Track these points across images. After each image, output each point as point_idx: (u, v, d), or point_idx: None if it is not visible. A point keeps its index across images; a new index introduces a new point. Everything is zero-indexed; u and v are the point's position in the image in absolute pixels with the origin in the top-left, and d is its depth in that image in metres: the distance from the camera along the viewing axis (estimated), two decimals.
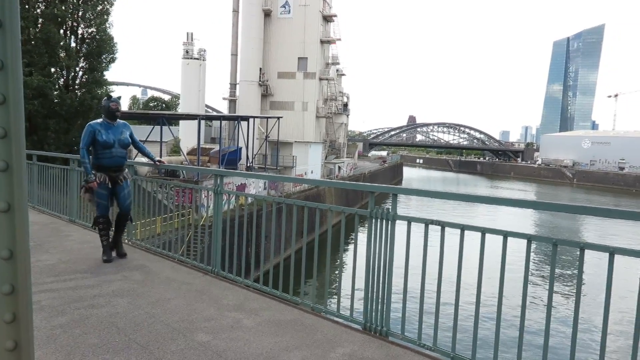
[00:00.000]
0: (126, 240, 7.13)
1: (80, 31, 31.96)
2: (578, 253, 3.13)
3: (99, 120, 5.91)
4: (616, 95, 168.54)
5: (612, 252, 2.92)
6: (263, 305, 4.54)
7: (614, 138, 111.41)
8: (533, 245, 3.44)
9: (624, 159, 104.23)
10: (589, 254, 3.11)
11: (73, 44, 31.76)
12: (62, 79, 31.46)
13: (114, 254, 6.07)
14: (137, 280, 5.18)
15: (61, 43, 30.06)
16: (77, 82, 32.13)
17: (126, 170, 6.13)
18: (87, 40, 32.01)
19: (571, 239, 3.24)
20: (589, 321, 19.49)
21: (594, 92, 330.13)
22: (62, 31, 30.81)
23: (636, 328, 2.87)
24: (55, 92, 29.84)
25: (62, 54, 30.43)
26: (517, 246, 3.47)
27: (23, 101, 1.20)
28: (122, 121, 6.12)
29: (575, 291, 3.24)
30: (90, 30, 32.08)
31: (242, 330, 3.94)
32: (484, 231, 3.50)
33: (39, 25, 29.15)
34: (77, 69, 31.97)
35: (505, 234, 3.40)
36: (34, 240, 6.75)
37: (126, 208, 6.07)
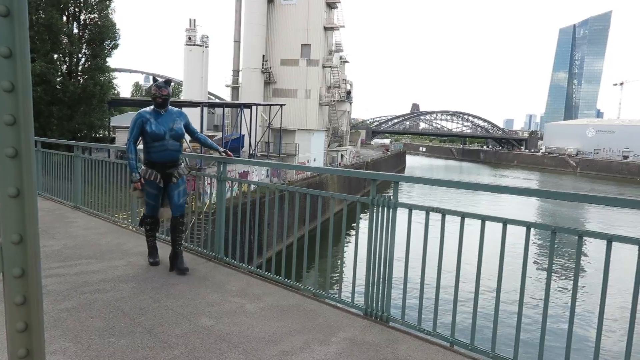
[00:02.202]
0: (130, 227, 7.20)
1: (82, 17, 31.86)
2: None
3: (149, 109, 5.14)
4: (622, 84, 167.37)
5: (610, 239, 2.96)
6: (266, 291, 4.61)
7: (619, 127, 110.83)
8: (533, 233, 3.48)
9: (628, 148, 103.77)
10: (592, 242, 3.14)
11: (75, 30, 31.67)
12: (65, 66, 31.45)
13: (156, 267, 5.35)
14: (142, 266, 5.26)
15: (64, 29, 29.98)
16: (79, 68, 32.10)
17: (182, 164, 5.32)
18: (89, 27, 31.92)
19: (570, 227, 3.27)
20: (587, 307, 19.60)
21: (599, 80, 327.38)
22: (64, 17, 30.72)
23: (632, 314, 2.91)
24: (58, 79, 29.84)
25: (65, 40, 30.36)
26: (517, 233, 3.51)
27: (31, 89, 1.23)
28: (175, 109, 5.28)
29: (574, 278, 3.28)
30: (92, 16, 31.98)
31: (245, 315, 4.01)
32: (483, 219, 3.54)
33: (42, 11, 29.05)
34: (80, 55, 31.91)
35: (505, 222, 3.43)
36: (40, 227, 6.81)
37: (178, 209, 5.26)
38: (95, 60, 31.76)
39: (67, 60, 31.43)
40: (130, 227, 7.18)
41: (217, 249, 5.66)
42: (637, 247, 2.88)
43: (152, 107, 5.13)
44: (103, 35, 31.84)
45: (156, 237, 5.49)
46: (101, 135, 36.33)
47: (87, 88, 30.32)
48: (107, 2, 32.11)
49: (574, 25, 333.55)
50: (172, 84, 5.32)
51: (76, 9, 31.29)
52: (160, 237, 6.57)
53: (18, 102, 1.20)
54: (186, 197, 5.43)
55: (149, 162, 5.13)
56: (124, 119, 52.78)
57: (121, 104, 51.06)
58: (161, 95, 5.06)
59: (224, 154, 5.58)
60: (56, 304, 4.03)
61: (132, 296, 4.33)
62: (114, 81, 42.84)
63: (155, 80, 5.30)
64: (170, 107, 5.23)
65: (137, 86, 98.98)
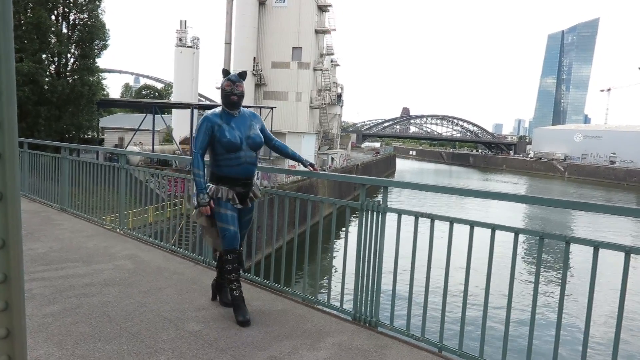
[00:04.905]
0: (118, 230, 7.13)
1: (71, 17, 31.65)
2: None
3: (217, 110, 4.09)
4: (609, 90, 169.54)
5: (597, 246, 2.98)
6: (254, 295, 4.58)
7: (606, 132, 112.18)
8: (521, 238, 3.50)
9: (615, 153, 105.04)
10: (579, 247, 3.16)
11: (64, 30, 31.43)
12: (53, 66, 31.18)
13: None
14: (129, 270, 5.20)
15: (52, 29, 29.75)
16: (68, 68, 31.83)
17: (256, 183, 4.31)
18: (78, 27, 31.72)
19: (557, 233, 3.30)
20: (575, 312, 19.78)
21: (587, 86, 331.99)
22: (53, 17, 30.48)
23: (618, 319, 2.94)
24: (47, 79, 29.56)
25: (54, 40, 30.10)
26: (505, 239, 3.52)
27: (15, 91, 1.21)
28: (247, 110, 4.25)
29: (561, 283, 3.30)
30: (82, 16, 31.78)
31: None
32: (472, 224, 3.55)
33: (30, 11, 28.78)
34: (69, 55, 31.66)
35: (493, 227, 3.45)
36: (25, 229, 6.73)
37: (241, 239, 4.25)
38: (84, 60, 31.54)
39: (56, 60, 31.15)
40: (118, 230, 7.11)
41: (205, 253, 5.63)
42: (623, 253, 2.90)
43: (220, 108, 4.11)
44: (92, 36, 31.66)
45: (240, 282, 4.12)
46: (89, 137, 36.06)
47: (75, 88, 30.09)
48: (97, 3, 31.93)
49: (563, 31, 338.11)
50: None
51: (65, 9, 31.05)
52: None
53: (2, 104, 1.17)
54: (250, 225, 4.41)
55: (219, 178, 4.07)
56: (113, 120, 52.45)
57: (110, 105, 50.68)
58: (237, 91, 4.04)
59: (310, 168, 4.56)
60: (41, 309, 3.97)
61: (119, 300, 4.28)
62: (103, 82, 42.53)
63: (228, 75, 4.10)
64: (241, 107, 4.19)
65: (127, 87, 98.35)
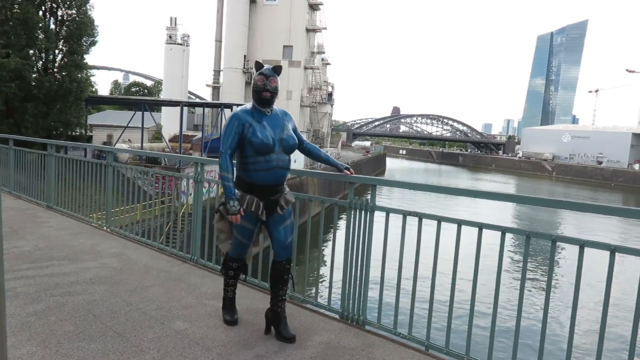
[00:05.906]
0: (105, 228, 7.05)
1: (60, 13, 31.24)
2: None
3: (248, 107, 3.68)
4: (597, 91, 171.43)
5: (582, 244, 3.00)
6: (241, 294, 4.55)
7: (593, 133, 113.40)
8: (508, 237, 3.51)
9: (602, 154, 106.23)
10: (566, 246, 3.18)
11: (52, 26, 31.04)
12: (41, 62, 30.76)
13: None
14: (115, 268, 5.15)
15: (40, 24, 29.34)
16: (56, 65, 31.44)
17: (287, 189, 3.84)
18: (67, 23, 31.31)
19: (544, 232, 3.31)
20: (560, 311, 19.98)
21: (575, 87, 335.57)
22: (41, 12, 30.09)
23: (603, 317, 2.96)
24: (34, 75, 29.19)
25: (41, 36, 29.72)
26: (492, 238, 3.53)
27: None
28: (279, 108, 3.80)
29: (547, 282, 3.32)
30: (70, 12, 31.38)
31: (220, 318, 3.95)
32: (460, 223, 3.56)
33: (17, 6, 28.40)
34: (57, 51, 31.26)
35: (481, 226, 3.45)
36: (10, 226, 6.65)
37: (285, 252, 3.73)
38: (73, 56, 31.13)
39: (44, 56, 30.75)
40: (105, 227, 7.04)
41: (193, 251, 5.59)
42: (608, 252, 2.92)
43: (250, 105, 3.70)
44: (81, 32, 31.27)
45: (236, 286, 4.07)
46: (77, 134, 35.70)
47: (63, 85, 29.73)
48: None
49: (552, 32, 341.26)
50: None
51: (53, 5, 30.66)
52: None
53: None
54: (294, 234, 3.91)
55: (246, 184, 3.63)
56: (102, 118, 51.99)
57: (99, 102, 50.18)
58: (270, 87, 3.61)
59: (346, 172, 4.13)
60: (24, 307, 3.91)
61: (104, 299, 4.23)
62: (92, 79, 42.12)
63: (261, 69, 3.67)
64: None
65: (116, 84, 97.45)
